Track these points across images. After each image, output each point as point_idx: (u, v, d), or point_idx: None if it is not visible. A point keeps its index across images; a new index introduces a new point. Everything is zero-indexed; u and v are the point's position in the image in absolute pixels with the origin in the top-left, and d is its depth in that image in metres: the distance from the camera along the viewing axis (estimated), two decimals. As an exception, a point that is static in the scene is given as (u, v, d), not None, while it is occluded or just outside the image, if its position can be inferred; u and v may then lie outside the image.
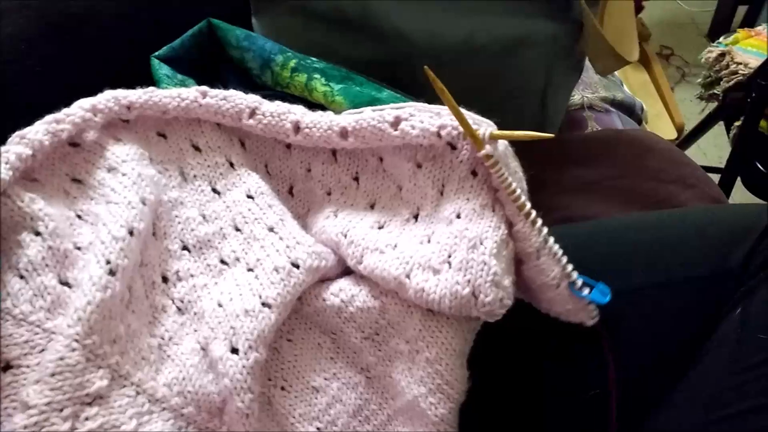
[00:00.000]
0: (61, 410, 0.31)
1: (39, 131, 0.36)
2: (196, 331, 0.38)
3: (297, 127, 0.41)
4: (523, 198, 0.36)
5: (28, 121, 0.37)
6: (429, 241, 0.38)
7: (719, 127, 1.14)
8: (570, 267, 0.37)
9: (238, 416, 0.35)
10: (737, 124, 1.02)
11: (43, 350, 0.33)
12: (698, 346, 0.39)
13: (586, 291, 0.37)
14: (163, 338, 0.37)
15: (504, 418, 0.43)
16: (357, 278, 0.40)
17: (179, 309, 0.38)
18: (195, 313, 0.38)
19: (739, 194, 1.09)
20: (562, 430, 0.42)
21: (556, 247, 0.37)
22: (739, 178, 1.04)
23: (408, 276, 0.37)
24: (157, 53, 0.48)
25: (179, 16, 0.54)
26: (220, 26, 0.51)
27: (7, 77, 0.49)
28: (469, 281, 0.35)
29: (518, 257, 0.38)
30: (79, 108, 0.38)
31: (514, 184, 0.36)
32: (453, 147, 0.38)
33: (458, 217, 0.37)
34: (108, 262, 0.34)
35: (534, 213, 0.36)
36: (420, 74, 0.55)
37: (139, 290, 0.37)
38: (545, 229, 0.37)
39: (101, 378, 0.33)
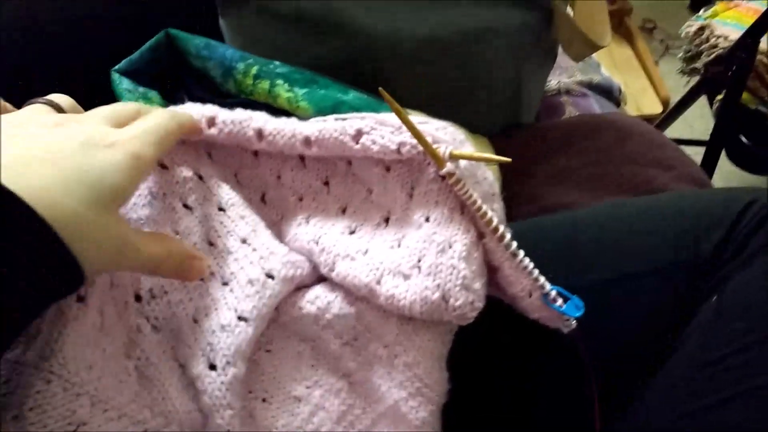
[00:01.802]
0: None
1: None
2: (173, 348, 0.37)
3: (260, 134, 0.40)
4: (490, 213, 0.35)
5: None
6: (399, 246, 0.38)
7: (705, 99, 1.14)
8: (542, 279, 0.36)
9: (218, 433, 0.35)
10: (720, 97, 1.01)
11: (7, 381, 0.32)
12: (674, 337, 0.39)
13: (560, 302, 0.36)
14: (139, 359, 0.37)
15: (487, 418, 0.43)
16: (332, 284, 0.40)
17: (155, 327, 0.38)
18: (171, 330, 0.38)
19: (726, 167, 1.08)
20: (544, 429, 0.42)
21: (527, 260, 0.36)
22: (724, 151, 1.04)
23: (378, 282, 0.37)
24: (116, 67, 0.47)
25: (147, 20, 0.53)
26: (178, 36, 0.50)
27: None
28: (438, 286, 0.35)
29: (491, 265, 0.38)
30: None
31: (479, 201, 0.35)
32: None
33: (427, 220, 0.37)
34: None
35: (501, 228, 0.35)
36: (385, 71, 0.55)
37: (111, 313, 0.36)
38: (514, 244, 0.36)
39: (81, 405, 0.32)
